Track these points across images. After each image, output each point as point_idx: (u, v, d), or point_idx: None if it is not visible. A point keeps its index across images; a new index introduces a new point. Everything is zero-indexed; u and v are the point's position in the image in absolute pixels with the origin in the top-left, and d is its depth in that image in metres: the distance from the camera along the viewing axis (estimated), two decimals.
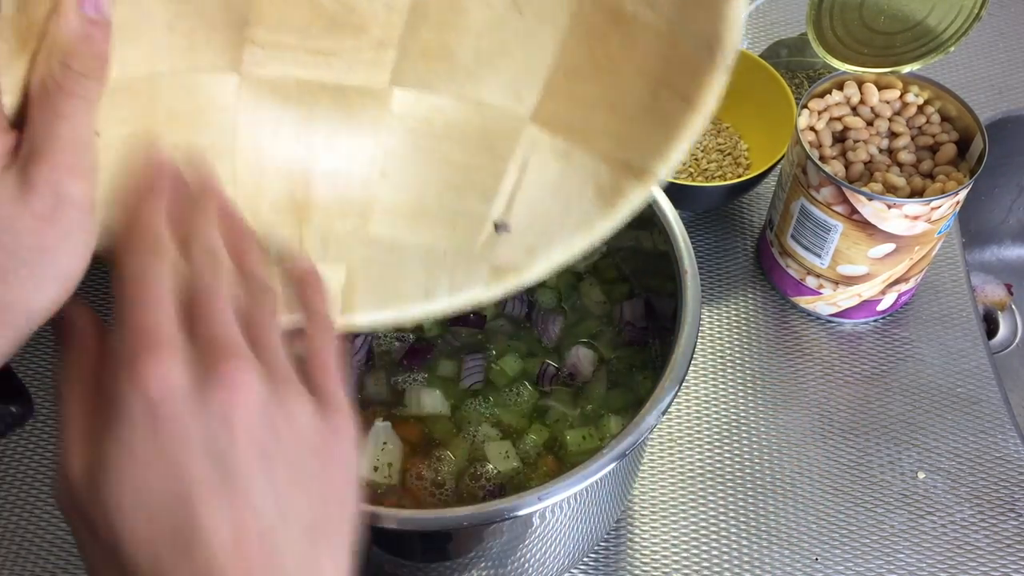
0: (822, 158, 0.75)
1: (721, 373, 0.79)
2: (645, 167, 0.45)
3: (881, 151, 0.75)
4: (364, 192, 0.48)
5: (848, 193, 0.71)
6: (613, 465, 0.53)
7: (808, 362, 0.80)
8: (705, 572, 0.70)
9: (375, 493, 0.61)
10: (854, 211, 0.72)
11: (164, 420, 0.35)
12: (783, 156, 0.80)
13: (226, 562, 0.35)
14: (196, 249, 0.39)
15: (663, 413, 0.55)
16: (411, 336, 0.67)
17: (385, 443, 0.62)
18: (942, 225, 0.73)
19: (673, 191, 0.69)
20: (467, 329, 0.68)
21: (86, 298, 0.39)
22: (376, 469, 0.62)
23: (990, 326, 1.07)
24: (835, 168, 0.73)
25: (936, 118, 0.76)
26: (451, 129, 0.48)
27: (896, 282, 0.78)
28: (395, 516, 0.52)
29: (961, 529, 0.72)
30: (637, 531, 0.71)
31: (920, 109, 0.76)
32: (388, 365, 0.66)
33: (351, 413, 0.41)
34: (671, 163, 0.44)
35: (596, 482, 0.53)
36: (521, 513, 0.51)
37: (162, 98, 0.43)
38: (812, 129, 0.76)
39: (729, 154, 0.88)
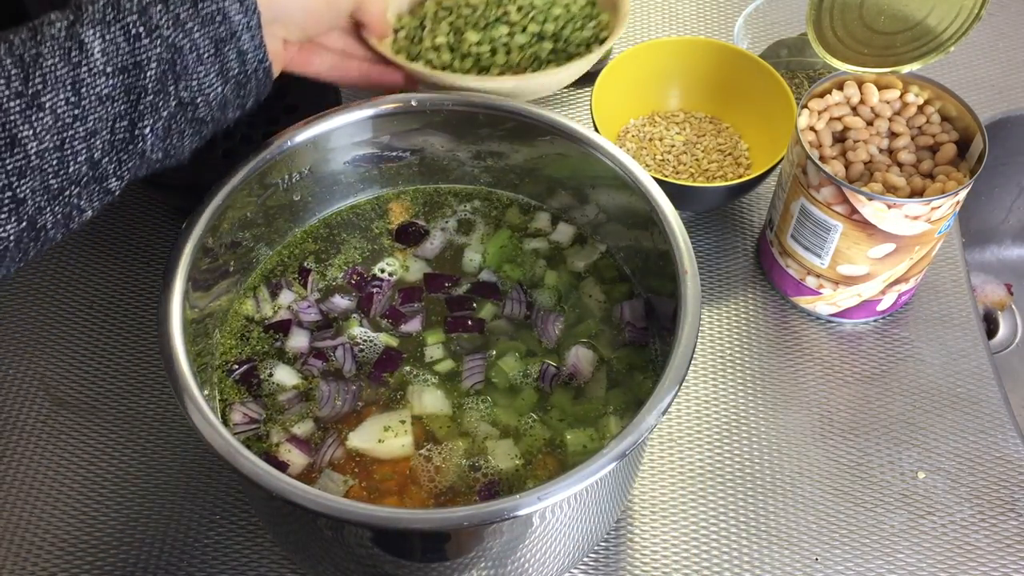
0: (822, 158, 0.75)
1: (721, 373, 0.79)
2: None
3: (881, 151, 0.75)
4: None
5: (848, 193, 0.71)
6: (613, 465, 0.53)
7: (808, 362, 0.80)
8: (705, 572, 0.70)
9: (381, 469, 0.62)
10: (854, 211, 0.72)
11: None
12: (783, 156, 0.80)
13: None
14: None
15: (663, 413, 0.55)
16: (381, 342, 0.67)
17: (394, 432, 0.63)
18: (942, 225, 0.73)
19: (673, 191, 0.69)
20: (468, 333, 0.68)
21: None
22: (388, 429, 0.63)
23: (990, 326, 1.07)
24: (835, 168, 0.73)
25: (936, 118, 0.76)
26: None
27: (896, 282, 0.78)
28: (395, 516, 0.52)
29: (961, 529, 0.72)
30: (637, 531, 0.71)
31: (920, 109, 0.76)
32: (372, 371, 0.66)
33: None
34: None
35: (596, 482, 0.53)
36: (521, 513, 0.52)
37: None
38: (812, 129, 0.76)
39: (729, 154, 0.88)
